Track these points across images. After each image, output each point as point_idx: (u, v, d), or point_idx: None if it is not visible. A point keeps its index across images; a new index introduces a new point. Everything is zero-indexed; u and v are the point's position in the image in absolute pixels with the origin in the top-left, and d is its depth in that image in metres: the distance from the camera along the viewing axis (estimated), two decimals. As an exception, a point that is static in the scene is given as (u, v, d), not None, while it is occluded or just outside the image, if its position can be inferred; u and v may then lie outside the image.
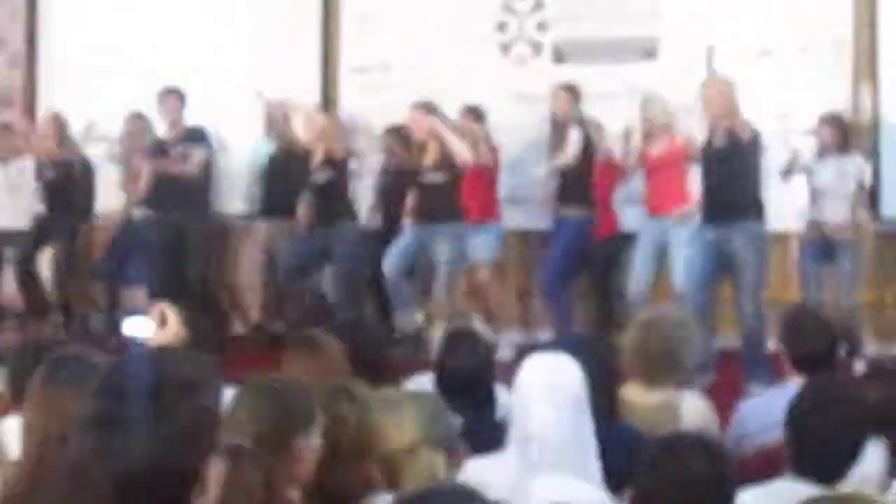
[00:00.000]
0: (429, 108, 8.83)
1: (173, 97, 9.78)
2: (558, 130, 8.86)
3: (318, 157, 9.09)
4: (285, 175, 9.66)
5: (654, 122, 8.31)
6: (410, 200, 9.06)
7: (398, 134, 9.44)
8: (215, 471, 2.12)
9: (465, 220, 8.86)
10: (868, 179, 8.38)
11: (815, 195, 8.35)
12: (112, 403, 2.11)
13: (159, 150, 9.79)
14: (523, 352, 5.25)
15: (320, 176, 9.08)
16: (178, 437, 2.07)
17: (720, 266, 7.95)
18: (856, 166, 8.34)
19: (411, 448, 3.25)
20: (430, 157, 8.81)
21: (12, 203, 10.33)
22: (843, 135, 8.37)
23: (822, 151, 8.38)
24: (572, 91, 8.85)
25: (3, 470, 3.42)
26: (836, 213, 8.24)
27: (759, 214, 7.91)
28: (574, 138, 8.63)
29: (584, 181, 8.77)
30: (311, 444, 3.11)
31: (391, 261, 8.89)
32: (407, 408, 3.36)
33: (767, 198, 8.01)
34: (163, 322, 3.53)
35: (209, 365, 2.21)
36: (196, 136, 9.76)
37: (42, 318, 9.94)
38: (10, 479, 3.32)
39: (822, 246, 8.27)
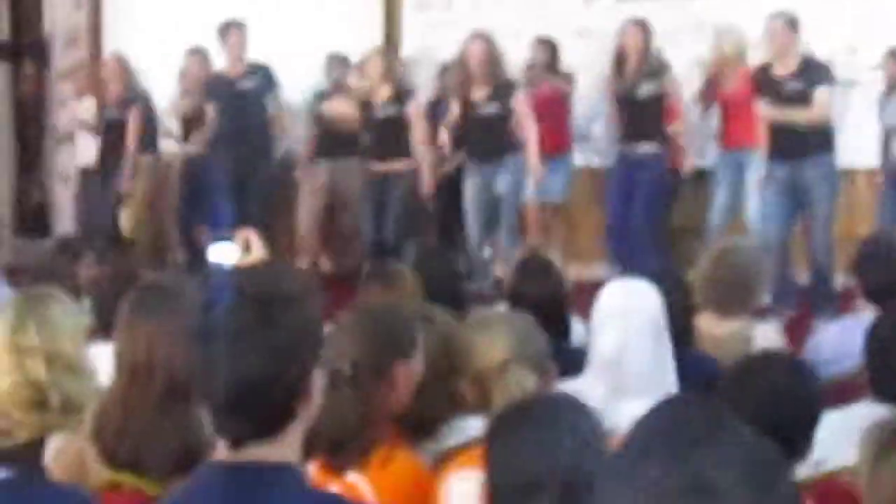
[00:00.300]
0: (486, 38, 8.78)
1: (236, 31, 9.77)
2: (621, 65, 8.71)
3: (383, 94, 9.09)
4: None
5: (725, 56, 8.29)
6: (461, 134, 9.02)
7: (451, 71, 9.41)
8: (319, 382, 2.19)
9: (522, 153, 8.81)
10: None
11: (889, 131, 8.31)
12: (218, 316, 2.16)
13: (224, 84, 9.82)
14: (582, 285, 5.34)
15: (388, 110, 9.09)
16: (285, 348, 2.13)
17: (795, 202, 7.96)
18: None
19: (502, 366, 3.30)
20: (480, 89, 8.75)
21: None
22: None
23: (891, 87, 8.33)
24: (643, 27, 8.65)
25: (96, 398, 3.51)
26: None
27: (829, 148, 7.91)
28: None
29: (658, 117, 8.67)
30: (411, 370, 3.14)
31: (470, 221, 8.87)
32: (499, 327, 3.41)
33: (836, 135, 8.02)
34: (247, 247, 3.59)
35: (309, 280, 2.27)
36: (260, 73, 9.82)
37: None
38: (102, 407, 3.40)
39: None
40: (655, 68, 8.57)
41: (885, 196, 8.40)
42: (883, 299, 4.68)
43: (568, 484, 2.20)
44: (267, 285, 2.20)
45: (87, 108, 10.44)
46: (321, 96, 9.87)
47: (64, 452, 3.44)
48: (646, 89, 8.59)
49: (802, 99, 7.88)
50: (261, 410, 2.13)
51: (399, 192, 9.14)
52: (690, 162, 8.72)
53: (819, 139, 7.85)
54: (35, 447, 3.46)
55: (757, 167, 8.17)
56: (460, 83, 8.87)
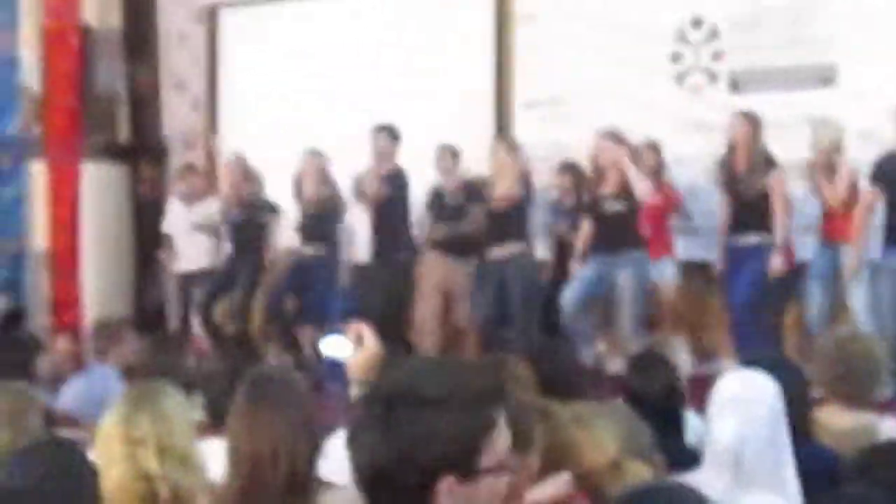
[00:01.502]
0: (616, 138, 8.78)
1: (383, 135, 9.74)
2: (732, 158, 8.57)
3: (505, 184, 9.07)
4: (457, 210, 9.67)
5: (824, 151, 8.18)
6: (586, 231, 9.02)
7: (574, 170, 9.46)
8: (446, 485, 2.12)
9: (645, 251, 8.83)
10: None
11: None
12: (360, 408, 2.18)
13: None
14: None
15: (500, 205, 9.07)
16: (404, 450, 2.09)
17: None
18: None
19: (615, 462, 3.22)
20: (609, 186, 8.75)
21: (196, 244, 10.60)
22: None
23: None
24: (752, 120, 8.51)
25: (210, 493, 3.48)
26: None
27: None
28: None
29: (762, 209, 8.48)
30: (529, 465, 3.07)
31: (572, 294, 8.81)
32: (603, 422, 3.34)
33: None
34: (359, 341, 3.54)
35: (459, 384, 2.20)
36: (399, 179, 9.81)
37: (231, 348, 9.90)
38: (218, 500, 3.37)
39: None
40: (762, 164, 8.45)
41: None
42: None
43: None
44: (401, 384, 2.16)
45: (205, 209, 10.57)
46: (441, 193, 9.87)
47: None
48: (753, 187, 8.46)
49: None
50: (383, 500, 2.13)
51: (519, 275, 9.08)
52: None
53: None
54: (146, 541, 3.44)
55: (852, 258, 8.06)
56: (593, 180, 8.95)
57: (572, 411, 3.52)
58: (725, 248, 8.68)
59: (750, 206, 8.46)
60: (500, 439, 2.17)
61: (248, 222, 10.21)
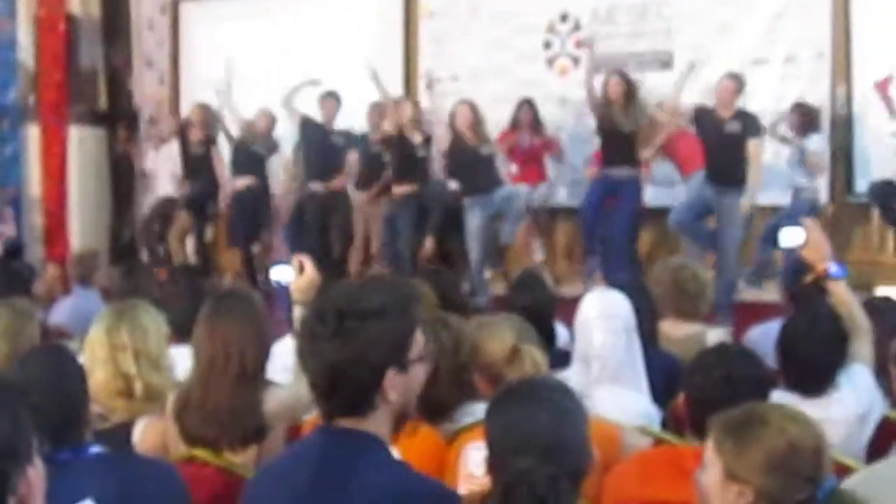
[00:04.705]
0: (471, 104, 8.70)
1: (330, 100, 9.60)
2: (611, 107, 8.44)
3: (416, 137, 8.98)
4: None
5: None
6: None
7: None
8: (399, 380, 2.16)
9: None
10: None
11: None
12: (313, 321, 2.16)
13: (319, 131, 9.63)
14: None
15: (422, 151, 9.01)
16: (353, 355, 2.10)
17: None
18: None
19: (514, 349, 3.21)
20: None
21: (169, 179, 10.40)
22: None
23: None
24: (627, 80, 8.44)
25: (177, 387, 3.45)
26: None
27: None
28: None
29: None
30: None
31: (474, 248, 8.61)
32: (500, 325, 3.32)
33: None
34: (301, 269, 3.50)
35: (389, 297, 2.17)
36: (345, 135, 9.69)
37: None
38: (184, 392, 3.35)
39: None
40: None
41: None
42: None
43: (548, 447, 2.13)
44: (346, 300, 2.15)
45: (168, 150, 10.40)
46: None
47: (148, 432, 3.39)
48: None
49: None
50: (338, 397, 2.13)
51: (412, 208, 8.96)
52: None
53: None
54: (126, 428, 3.40)
55: None
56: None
57: (477, 321, 3.50)
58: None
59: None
60: (419, 334, 2.20)
61: (205, 156, 9.97)
